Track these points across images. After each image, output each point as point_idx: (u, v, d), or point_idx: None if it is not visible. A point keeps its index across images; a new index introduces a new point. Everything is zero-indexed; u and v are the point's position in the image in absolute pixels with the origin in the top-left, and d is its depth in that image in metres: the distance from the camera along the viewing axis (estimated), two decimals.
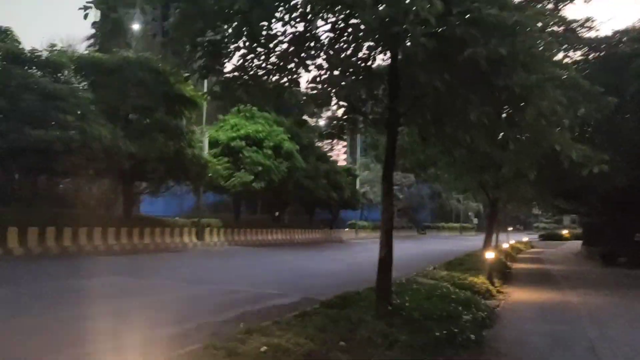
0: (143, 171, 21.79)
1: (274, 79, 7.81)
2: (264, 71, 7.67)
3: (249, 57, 7.43)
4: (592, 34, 20.05)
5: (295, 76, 7.76)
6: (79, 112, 18.68)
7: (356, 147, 63.20)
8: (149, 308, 9.30)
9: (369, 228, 56.88)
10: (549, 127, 7.52)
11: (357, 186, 52.04)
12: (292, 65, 7.51)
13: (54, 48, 22.04)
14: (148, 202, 39.33)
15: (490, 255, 15.75)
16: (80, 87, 21.01)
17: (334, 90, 7.47)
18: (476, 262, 19.14)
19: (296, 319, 7.18)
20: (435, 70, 6.46)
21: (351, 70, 7.53)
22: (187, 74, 8.58)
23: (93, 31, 38.51)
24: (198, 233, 28.64)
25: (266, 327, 6.37)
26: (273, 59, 7.51)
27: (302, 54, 7.29)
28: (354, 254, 29.78)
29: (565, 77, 8.49)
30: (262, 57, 7.46)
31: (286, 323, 6.81)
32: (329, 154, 49.00)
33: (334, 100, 7.94)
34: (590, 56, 21.09)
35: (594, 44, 20.66)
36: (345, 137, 20.13)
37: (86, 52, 21.73)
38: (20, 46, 20.15)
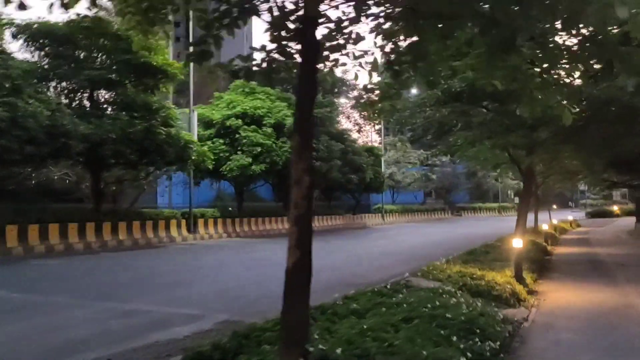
0: (102, 155, 18.44)
1: None
2: None
3: None
4: None
5: None
6: (7, 86, 15.40)
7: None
8: None
9: (398, 212, 52.71)
10: None
11: (382, 167, 47.86)
12: None
13: None
14: (164, 193, 36.39)
15: (518, 243, 11.66)
16: (28, 58, 17.83)
17: None
18: (507, 250, 15.16)
19: None
20: None
21: None
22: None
23: None
24: (189, 225, 25.34)
25: None
26: None
27: None
28: (367, 241, 25.93)
29: None
30: None
31: None
32: (350, 133, 44.99)
33: None
34: None
35: None
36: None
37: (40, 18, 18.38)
38: None
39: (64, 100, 20.16)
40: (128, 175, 22.89)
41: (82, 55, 19.51)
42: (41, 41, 18.99)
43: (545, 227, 23.57)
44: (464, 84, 14.83)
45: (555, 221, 30.96)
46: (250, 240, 26.28)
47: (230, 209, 29.45)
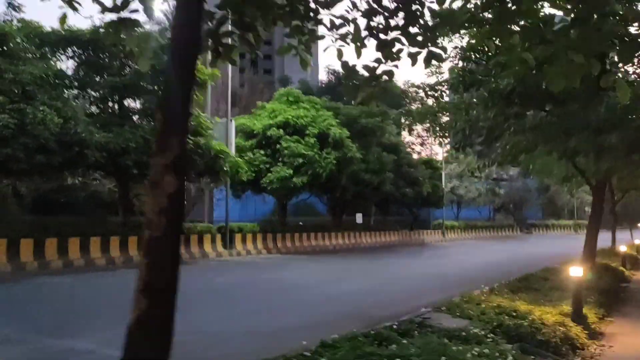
0: (124, 166, 17.38)
1: None
2: None
3: None
4: None
5: None
6: (16, 91, 14.61)
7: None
8: None
9: (460, 228, 49.46)
10: None
11: (443, 181, 45.00)
12: None
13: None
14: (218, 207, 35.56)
15: (577, 272, 9.20)
16: (50, 65, 17.16)
17: None
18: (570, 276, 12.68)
19: None
20: None
21: None
22: None
23: None
24: (225, 241, 24.02)
25: None
26: None
27: None
28: (417, 261, 23.57)
29: None
30: None
31: None
32: (405, 145, 42.56)
33: None
34: None
35: None
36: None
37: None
38: None
39: (93, 109, 19.46)
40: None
41: (107, 62, 18.67)
42: (64, 48, 18.32)
43: (623, 248, 20.36)
44: (513, 81, 12.62)
45: (637, 241, 27.23)
46: (291, 257, 24.60)
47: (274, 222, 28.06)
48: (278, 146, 26.24)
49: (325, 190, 30.66)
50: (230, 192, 27.43)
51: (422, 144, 60.55)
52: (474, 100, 12.75)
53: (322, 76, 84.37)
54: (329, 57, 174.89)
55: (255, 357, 5.63)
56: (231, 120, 24.37)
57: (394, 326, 7.37)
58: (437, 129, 15.23)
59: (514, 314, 8.56)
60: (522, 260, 23.32)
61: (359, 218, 38.54)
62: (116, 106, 19.48)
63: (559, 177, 26.41)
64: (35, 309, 9.83)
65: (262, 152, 26.43)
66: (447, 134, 15.78)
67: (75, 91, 18.31)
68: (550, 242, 40.00)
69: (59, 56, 18.34)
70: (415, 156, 40.10)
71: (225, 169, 20.93)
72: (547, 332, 7.91)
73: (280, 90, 29.90)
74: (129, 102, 20.08)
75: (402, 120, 15.37)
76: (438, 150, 58.18)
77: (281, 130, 26.60)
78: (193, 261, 20.91)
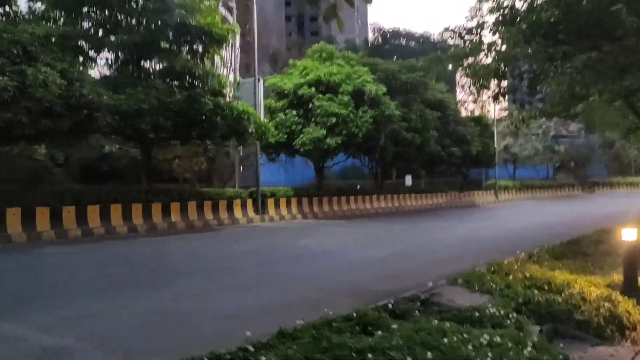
0: (140, 129, 16.49)
1: None
2: None
3: None
4: None
5: None
6: (15, 52, 13.82)
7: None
8: None
9: (515, 188, 46.73)
10: None
11: (495, 139, 42.27)
12: None
13: None
14: (268, 170, 34.61)
15: (629, 234, 7.47)
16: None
17: None
18: None
19: None
20: None
21: None
22: None
23: None
24: (257, 206, 23.08)
25: None
26: None
27: None
28: (460, 224, 21.85)
29: None
30: None
31: None
32: (459, 103, 39.95)
33: None
34: None
35: None
36: None
37: None
38: None
39: (108, 72, 18.66)
40: (184, 152, 21.02)
41: (122, 19, 17.68)
42: (78, 8, 17.42)
43: None
44: (558, 12, 10.82)
45: None
46: (326, 222, 23.42)
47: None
48: (310, 106, 24.81)
49: (364, 151, 29.08)
50: (263, 155, 26.50)
51: (475, 101, 57.38)
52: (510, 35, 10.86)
53: (371, 37, 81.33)
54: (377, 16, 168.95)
55: (202, 348, 4.43)
56: (259, 80, 23.07)
57: (390, 305, 6.02)
58: (475, 73, 13.27)
59: (547, 287, 7.01)
60: (578, 221, 21.21)
61: (408, 180, 36.78)
62: (132, 67, 18.54)
63: (622, 129, 23.81)
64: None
65: (294, 112, 25.08)
66: (485, 83, 13.84)
67: (90, 53, 17.43)
68: (613, 201, 36.98)
69: (74, 17, 17.43)
70: (467, 115, 37.55)
71: (250, 130, 19.74)
72: (588, 309, 6.35)
73: (314, 46, 28.20)
74: (147, 64, 19.11)
75: (432, 67, 13.54)
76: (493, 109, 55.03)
77: (313, 89, 25.09)
78: (220, 228, 20.11)
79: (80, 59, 16.72)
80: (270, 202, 23.99)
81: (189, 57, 18.37)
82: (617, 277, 8.16)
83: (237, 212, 22.24)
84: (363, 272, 9.89)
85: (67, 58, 15.12)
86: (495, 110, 47.46)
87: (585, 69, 10.71)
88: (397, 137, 27.73)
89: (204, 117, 17.99)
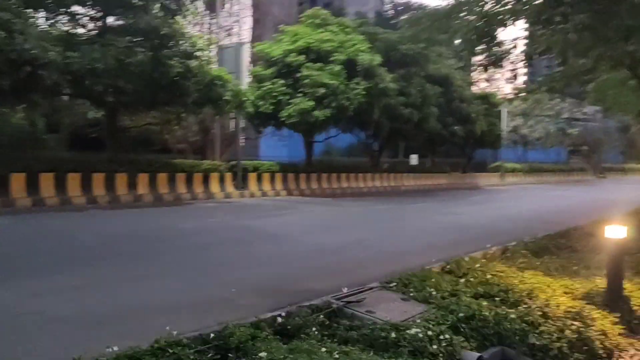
0: (94, 91, 15.00)
1: None
2: None
3: None
4: None
5: None
6: None
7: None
8: None
9: (522, 171, 44.77)
10: None
11: (504, 119, 40.20)
12: None
13: None
14: (266, 145, 32.93)
15: (615, 232, 5.87)
16: None
17: None
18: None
19: None
20: None
21: None
22: None
23: None
24: (237, 180, 21.65)
25: None
26: None
27: None
28: (454, 207, 20.23)
29: None
30: None
31: None
32: (468, 80, 37.84)
33: None
34: None
35: None
36: None
37: None
38: None
39: (69, 30, 17.13)
40: (153, 119, 19.53)
41: None
42: None
43: None
44: None
45: None
46: (311, 199, 21.96)
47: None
48: (299, 75, 23.10)
49: (358, 126, 27.41)
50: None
51: (487, 80, 55.05)
52: None
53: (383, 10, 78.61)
54: None
55: None
56: (242, 45, 21.40)
57: (279, 318, 4.55)
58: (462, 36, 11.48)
59: (504, 295, 5.50)
60: (579, 208, 19.52)
61: (413, 159, 35.11)
62: (95, 24, 16.99)
63: (635, 110, 22.09)
64: None
65: (281, 81, 23.38)
66: (470, 46, 12.03)
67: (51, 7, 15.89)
68: (623, 188, 35.00)
69: None
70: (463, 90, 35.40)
71: (225, 98, 18.17)
72: (549, 330, 4.85)
73: (308, 11, 26.34)
74: (113, 21, 17.54)
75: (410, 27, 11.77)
76: (507, 89, 52.64)
77: (302, 57, 23.34)
78: (192, 202, 18.73)
79: (42, 13, 15.16)
80: (252, 177, 22.56)
81: (162, 15, 16.71)
82: (602, 281, 6.63)
83: (214, 187, 20.83)
84: (306, 262, 8.42)
85: (10, 8, 13.56)
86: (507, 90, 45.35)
87: (584, 30, 9.02)
88: (394, 113, 25.96)
89: (172, 82, 16.44)
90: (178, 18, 17.35)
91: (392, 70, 26.25)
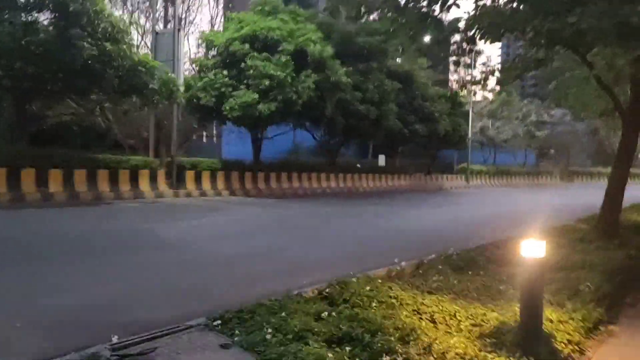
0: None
1: None
2: None
3: None
4: None
5: None
6: None
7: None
8: None
9: (489, 173, 43.70)
10: None
11: (470, 119, 39.01)
12: None
13: None
14: (229, 143, 31.02)
15: (533, 249, 4.27)
16: None
17: None
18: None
19: None
20: None
21: None
22: None
23: None
24: (172, 178, 19.82)
25: None
26: None
27: None
28: (401, 211, 18.71)
29: None
30: None
31: None
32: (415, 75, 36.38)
33: None
34: None
35: None
36: None
37: None
38: None
39: None
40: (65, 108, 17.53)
41: None
42: None
43: None
44: None
45: None
46: (252, 200, 20.25)
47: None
48: (243, 65, 21.37)
49: (310, 123, 25.81)
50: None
51: (463, 86, 54.02)
52: None
53: None
54: None
55: None
56: (178, 30, 19.58)
57: None
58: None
59: (368, 338, 3.86)
60: (535, 213, 18.15)
61: (381, 160, 33.85)
62: None
63: (596, 111, 20.83)
64: None
65: (224, 72, 21.62)
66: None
67: None
68: (589, 192, 34.00)
69: None
70: (428, 88, 34.07)
71: (152, 87, 16.35)
72: None
73: None
74: None
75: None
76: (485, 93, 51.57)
77: (247, 46, 21.63)
78: (114, 202, 16.84)
79: None
80: (190, 175, 20.73)
81: None
82: (515, 309, 5.06)
83: (144, 185, 18.94)
84: (172, 278, 6.70)
85: None
86: (469, 87, 44.23)
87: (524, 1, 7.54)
88: (349, 109, 24.42)
89: (85, 66, 14.55)
90: None
91: (350, 64, 24.74)
